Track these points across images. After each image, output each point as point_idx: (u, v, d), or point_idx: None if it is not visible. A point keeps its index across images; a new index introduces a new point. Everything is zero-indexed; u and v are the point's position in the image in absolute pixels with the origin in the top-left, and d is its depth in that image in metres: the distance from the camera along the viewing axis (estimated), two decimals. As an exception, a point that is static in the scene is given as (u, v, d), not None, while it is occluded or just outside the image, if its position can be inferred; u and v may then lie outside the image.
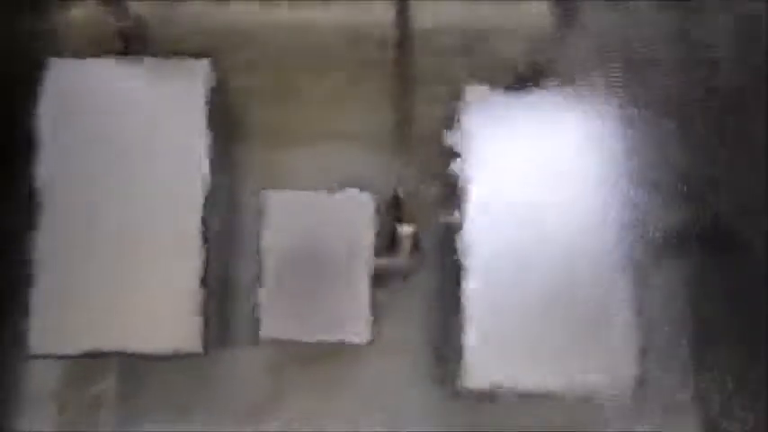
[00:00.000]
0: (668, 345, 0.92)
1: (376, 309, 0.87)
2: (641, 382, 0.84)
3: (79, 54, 0.88)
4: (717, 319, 0.92)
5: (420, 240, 0.91)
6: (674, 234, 0.93)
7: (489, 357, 0.85)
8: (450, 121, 0.91)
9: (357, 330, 0.87)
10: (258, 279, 0.87)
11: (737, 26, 0.91)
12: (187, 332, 0.85)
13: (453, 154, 0.89)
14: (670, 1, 0.96)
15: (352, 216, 0.89)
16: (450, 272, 0.87)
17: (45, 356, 0.86)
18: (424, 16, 0.95)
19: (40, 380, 0.93)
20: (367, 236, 0.88)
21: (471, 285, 0.85)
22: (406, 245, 0.90)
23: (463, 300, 0.85)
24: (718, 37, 0.93)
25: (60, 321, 0.84)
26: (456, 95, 0.91)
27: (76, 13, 0.97)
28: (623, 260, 0.87)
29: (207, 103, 0.88)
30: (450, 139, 0.90)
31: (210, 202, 0.87)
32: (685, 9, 0.96)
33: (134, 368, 0.93)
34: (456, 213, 0.87)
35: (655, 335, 0.89)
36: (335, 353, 0.94)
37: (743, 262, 0.91)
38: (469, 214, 0.87)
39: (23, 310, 0.83)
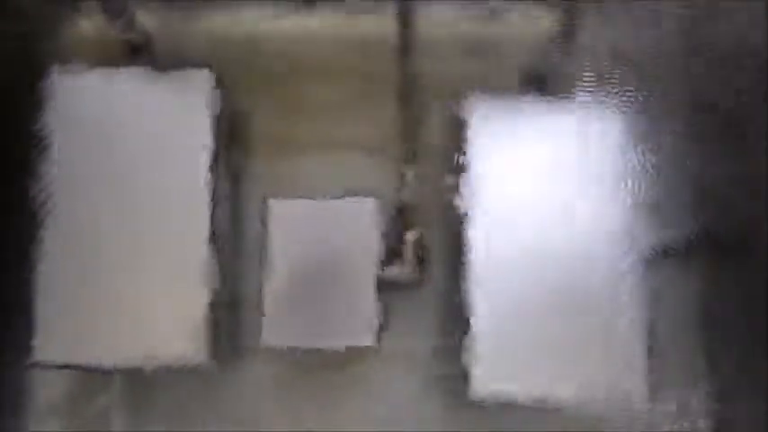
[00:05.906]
0: (679, 353, 0.91)
1: (382, 316, 0.87)
2: (652, 391, 0.82)
3: (85, 65, 0.89)
4: (731, 326, 0.90)
5: (426, 248, 0.91)
6: (684, 241, 0.92)
7: (498, 367, 0.84)
8: (456, 129, 0.90)
9: (361, 336, 0.86)
10: (263, 287, 0.87)
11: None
12: (193, 344, 0.84)
13: (459, 162, 0.89)
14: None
15: (357, 223, 0.88)
16: (458, 280, 0.86)
17: (49, 366, 0.85)
18: (429, 24, 0.95)
19: (45, 392, 0.92)
20: (373, 242, 0.88)
21: (479, 294, 0.85)
22: (411, 252, 0.89)
23: (471, 309, 0.84)
24: (725, 41, 0.92)
25: (65, 331, 0.84)
26: (461, 104, 0.90)
27: (84, 25, 0.98)
28: (634, 268, 0.85)
29: (211, 113, 0.88)
30: (456, 147, 0.89)
31: (216, 211, 0.87)
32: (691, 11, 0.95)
33: (140, 380, 0.93)
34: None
35: (666, 343, 0.87)
36: (342, 363, 0.93)
37: (758, 267, 0.89)
38: (475, 221, 0.86)
39: (28, 320, 0.83)
